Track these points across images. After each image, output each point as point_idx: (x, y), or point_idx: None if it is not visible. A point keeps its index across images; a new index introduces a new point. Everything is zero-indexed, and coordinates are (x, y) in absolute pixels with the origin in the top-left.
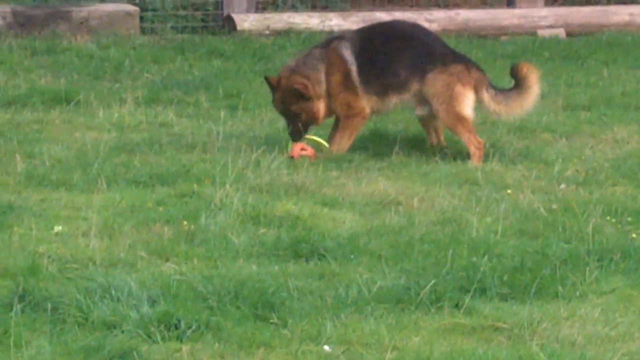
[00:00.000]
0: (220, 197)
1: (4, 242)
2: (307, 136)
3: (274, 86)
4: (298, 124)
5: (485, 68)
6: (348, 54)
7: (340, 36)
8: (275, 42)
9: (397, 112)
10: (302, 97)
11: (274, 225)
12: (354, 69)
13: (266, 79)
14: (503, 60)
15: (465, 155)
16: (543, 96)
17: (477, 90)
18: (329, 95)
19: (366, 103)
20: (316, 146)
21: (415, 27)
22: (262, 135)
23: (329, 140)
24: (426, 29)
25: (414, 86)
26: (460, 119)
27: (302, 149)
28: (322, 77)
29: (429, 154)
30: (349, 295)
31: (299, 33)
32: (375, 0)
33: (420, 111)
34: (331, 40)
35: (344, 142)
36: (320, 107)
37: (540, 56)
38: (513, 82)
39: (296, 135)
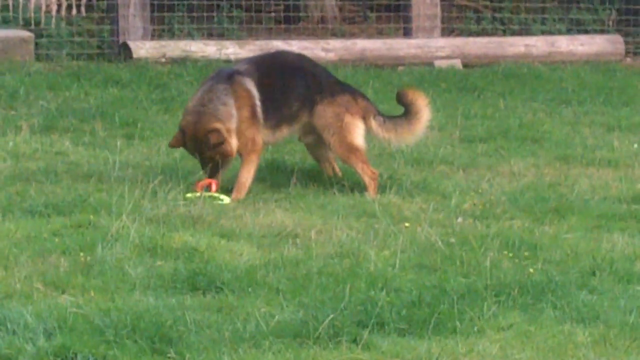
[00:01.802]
0: (116, 228)
1: None
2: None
3: (184, 133)
4: (214, 165)
5: (382, 98)
6: (253, 88)
7: (238, 70)
8: (172, 70)
9: (295, 143)
10: (217, 143)
11: (170, 257)
12: (258, 103)
13: (181, 128)
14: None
15: (362, 188)
16: (440, 128)
17: (365, 119)
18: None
19: (262, 137)
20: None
21: (302, 58)
22: (159, 165)
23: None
24: (311, 60)
25: (304, 118)
26: (352, 149)
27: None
28: (233, 111)
29: (327, 186)
30: (247, 329)
31: (196, 61)
32: (271, 29)
33: (306, 139)
34: (231, 74)
35: (249, 180)
36: (234, 143)
37: (437, 87)
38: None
39: (212, 174)
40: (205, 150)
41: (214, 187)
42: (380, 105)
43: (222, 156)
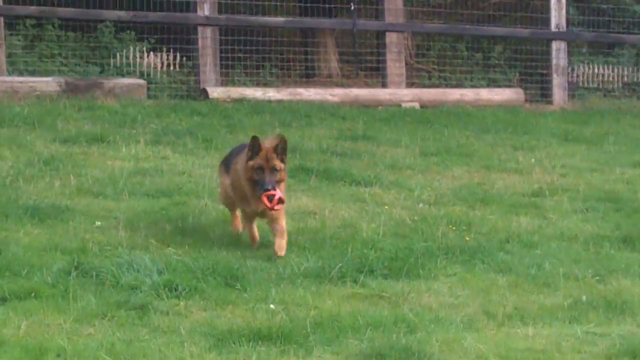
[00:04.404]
0: (201, 205)
1: (64, 231)
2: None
3: (260, 145)
4: (273, 179)
5: (368, 128)
6: None
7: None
8: (234, 107)
9: (315, 152)
10: (285, 154)
11: None
12: None
13: (255, 138)
14: (380, 123)
15: (360, 182)
16: (406, 147)
17: None
18: None
19: None
20: None
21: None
22: None
23: None
24: None
25: None
26: None
27: (272, 197)
28: None
29: (335, 181)
30: (286, 272)
31: (249, 101)
32: (297, 81)
33: None
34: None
35: None
36: None
37: (403, 121)
38: None
39: (270, 184)
40: (276, 158)
41: (279, 194)
42: (368, 131)
43: (280, 174)
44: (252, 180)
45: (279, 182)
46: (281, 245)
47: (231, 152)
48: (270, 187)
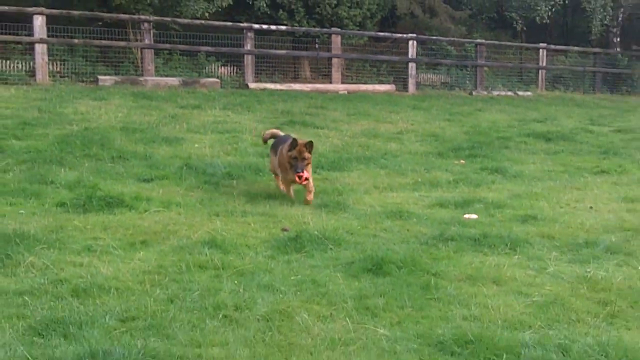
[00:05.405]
0: (245, 137)
1: (180, 148)
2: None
3: (298, 143)
4: (303, 165)
5: (323, 103)
6: None
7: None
8: (261, 92)
9: (298, 114)
10: (311, 149)
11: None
12: None
13: (295, 140)
14: (329, 101)
15: (319, 127)
16: (339, 111)
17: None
18: None
19: None
20: None
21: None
22: (262, 127)
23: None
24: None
25: None
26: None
27: (301, 176)
28: None
29: (307, 127)
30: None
31: (268, 89)
32: (290, 80)
33: None
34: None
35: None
36: None
37: (339, 100)
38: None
39: (300, 169)
40: (306, 152)
41: (306, 175)
42: (323, 104)
43: (308, 161)
44: (290, 163)
45: (306, 165)
46: (310, 197)
47: (277, 141)
48: (300, 171)
